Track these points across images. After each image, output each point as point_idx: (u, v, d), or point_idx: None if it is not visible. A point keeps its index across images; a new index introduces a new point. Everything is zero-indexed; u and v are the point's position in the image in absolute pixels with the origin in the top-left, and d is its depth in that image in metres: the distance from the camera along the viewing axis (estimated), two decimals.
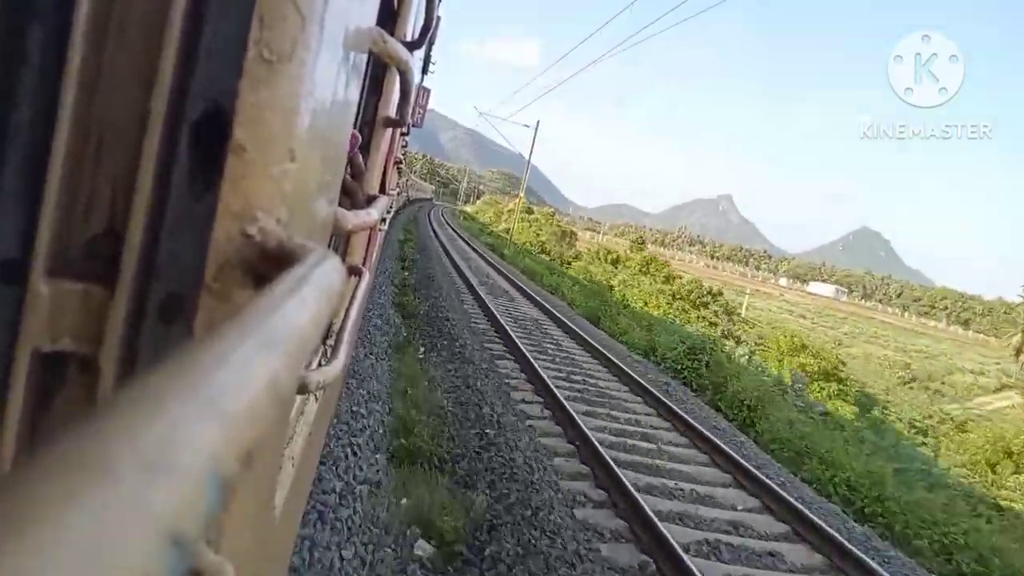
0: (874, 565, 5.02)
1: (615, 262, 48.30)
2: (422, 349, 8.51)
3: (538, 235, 51.49)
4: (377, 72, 1.52)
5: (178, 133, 0.46)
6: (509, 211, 73.14)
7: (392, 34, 1.01)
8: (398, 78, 1.06)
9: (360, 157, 1.42)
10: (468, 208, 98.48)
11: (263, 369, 0.26)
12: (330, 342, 1.12)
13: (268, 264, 0.47)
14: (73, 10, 0.44)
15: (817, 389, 22.69)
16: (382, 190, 1.94)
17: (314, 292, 0.36)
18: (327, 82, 0.58)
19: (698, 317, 34.28)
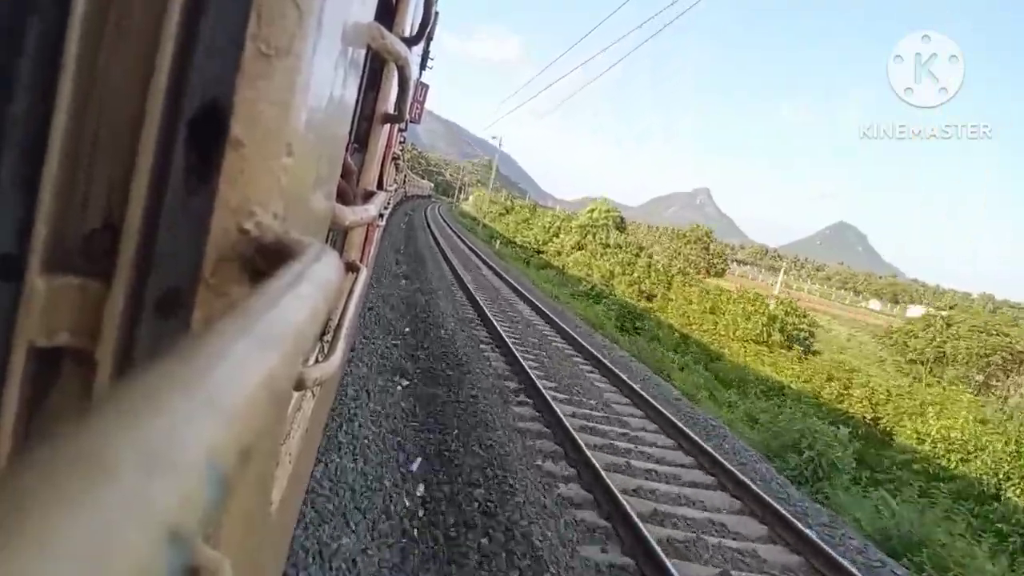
0: None
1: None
2: None
3: (707, 304, 27.74)
4: (375, 67, 1.51)
5: (175, 127, 0.46)
6: (581, 226, 45.67)
7: (391, 29, 1.01)
8: (396, 73, 1.06)
9: (350, 158, 1.42)
10: (465, 206, 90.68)
11: (261, 365, 0.26)
12: (327, 337, 1.12)
13: (265, 259, 0.47)
14: (71, 4, 0.43)
15: None
16: (379, 186, 1.94)
17: (311, 288, 0.36)
18: (325, 77, 0.58)
19: None
